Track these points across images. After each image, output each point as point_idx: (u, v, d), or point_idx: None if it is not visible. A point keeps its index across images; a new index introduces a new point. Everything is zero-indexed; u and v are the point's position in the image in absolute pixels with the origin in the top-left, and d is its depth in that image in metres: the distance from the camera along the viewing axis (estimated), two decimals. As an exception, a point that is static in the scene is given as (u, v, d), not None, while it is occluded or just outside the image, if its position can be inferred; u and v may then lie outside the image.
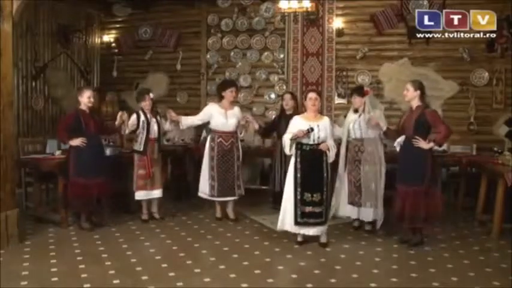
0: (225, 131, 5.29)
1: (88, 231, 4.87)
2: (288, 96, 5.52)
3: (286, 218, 4.43)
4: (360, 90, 5.00)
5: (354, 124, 4.90)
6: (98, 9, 8.52)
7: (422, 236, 4.52)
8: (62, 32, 7.87)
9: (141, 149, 5.14)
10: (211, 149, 5.30)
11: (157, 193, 5.32)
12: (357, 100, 4.91)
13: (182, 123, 5.36)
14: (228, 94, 5.34)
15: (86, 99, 4.84)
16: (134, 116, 5.16)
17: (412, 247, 4.42)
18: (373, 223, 4.91)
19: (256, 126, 5.47)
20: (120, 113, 5.13)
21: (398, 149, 4.60)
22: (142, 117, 5.16)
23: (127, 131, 5.20)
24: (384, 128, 4.70)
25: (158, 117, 5.31)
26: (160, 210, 5.48)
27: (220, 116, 5.28)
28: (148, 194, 5.26)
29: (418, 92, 4.39)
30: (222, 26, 7.89)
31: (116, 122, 5.10)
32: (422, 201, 4.31)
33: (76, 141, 4.75)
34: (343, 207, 5.04)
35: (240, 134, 5.43)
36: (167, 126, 5.45)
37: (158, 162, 5.32)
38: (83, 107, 4.86)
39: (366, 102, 4.84)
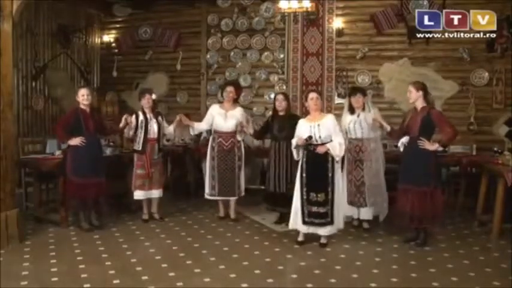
0: (224, 132, 5.32)
1: (86, 231, 4.86)
2: (281, 97, 5.28)
3: (297, 217, 4.48)
4: (363, 90, 5.16)
5: (355, 124, 4.93)
6: (98, 9, 8.52)
7: (426, 235, 4.54)
8: (62, 32, 7.87)
9: (140, 148, 5.17)
10: (212, 149, 5.36)
11: (156, 193, 5.33)
12: (360, 100, 4.95)
13: (195, 128, 5.46)
14: (225, 94, 5.43)
15: (80, 97, 4.83)
16: (133, 117, 5.18)
17: (418, 247, 4.43)
18: (371, 221, 4.99)
19: (251, 131, 5.41)
20: (125, 116, 5.15)
21: (402, 149, 4.61)
22: (141, 117, 5.19)
23: (130, 133, 5.21)
24: (388, 128, 4.74)
25: (160, 118, 5.31)
26: (160, 211, 5.48)
27: (219, 116, 5.33)
28: (147, 194, 5.27)
29: (421, 92, 4.42)
30: (222, 26, 7.89)
31: (120, 124, 5.12)
32: (429, 201, 4.34)
33: (75, 141, 4.75)
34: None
35: (240, 138, 5.38)
36: (170, 129, 5.45)
37: (158, 162, 5.32)
38: (82, 106, 4.86)
39: (366, 102, 5.00)
